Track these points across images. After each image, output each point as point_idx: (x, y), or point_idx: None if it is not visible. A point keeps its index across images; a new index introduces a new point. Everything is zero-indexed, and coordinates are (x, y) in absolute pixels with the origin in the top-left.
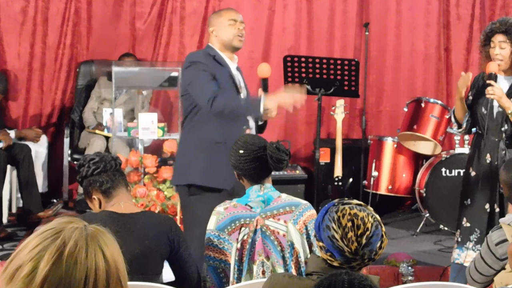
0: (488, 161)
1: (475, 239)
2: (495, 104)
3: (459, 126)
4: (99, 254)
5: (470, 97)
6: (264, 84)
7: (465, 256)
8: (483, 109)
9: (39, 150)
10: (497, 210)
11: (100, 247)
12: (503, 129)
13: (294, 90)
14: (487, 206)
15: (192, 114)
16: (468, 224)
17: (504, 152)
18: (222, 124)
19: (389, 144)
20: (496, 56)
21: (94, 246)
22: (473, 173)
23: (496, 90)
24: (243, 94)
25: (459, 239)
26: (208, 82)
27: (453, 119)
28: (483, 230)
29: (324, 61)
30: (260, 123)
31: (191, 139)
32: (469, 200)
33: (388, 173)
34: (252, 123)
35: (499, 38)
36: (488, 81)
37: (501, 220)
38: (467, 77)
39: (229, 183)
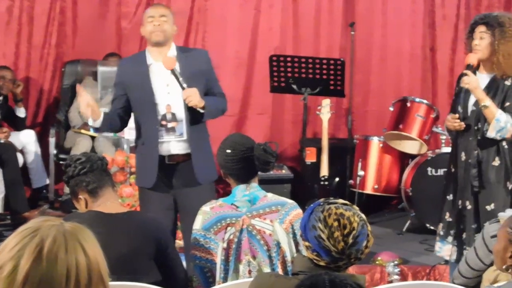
0: (463, 159)
1: (454, 234)
2: (470, 103)
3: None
4: (79, 249)
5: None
6: (174, 76)
7: (447, 249)
8: (459, 108)
9: (29, 144)
10: (469, 207)
11: (79, 242)
12: (476, 128)
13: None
14: (459, 202)
15: None
16: (450, 219)
17: (476, 152)
18: (139, 127)
19: (375, 143)
20: (475, 46)
21: (74, 241)
22: (453, 170)
23: (472, 80)
24: (169, 88)
25: (441, 233)
26: (113, 99)
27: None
28: (459, 225)
29: (310, 60)
30: (202, 111)
31: None
32: (451, 195)
33: (374, 173)
34: (181, 115)
35: (480, 29)
36: (464, 71)
37: (500, 214)
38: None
39: (149, 182)
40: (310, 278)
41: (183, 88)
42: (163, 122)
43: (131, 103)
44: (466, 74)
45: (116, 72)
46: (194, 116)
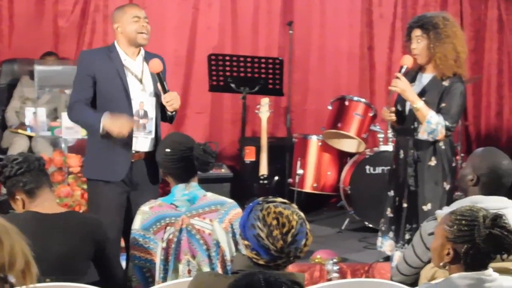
0: (401, 157)
1: (395, 230)
2: (408, 102)
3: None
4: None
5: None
6: (159, 79)
7: (389, 245)
8: (399, 106)
9: None
10: (405, 205)
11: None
12: (412, 127)
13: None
14: (397, 199)
15: None
16: (392, 215)
17: (412, 151)
18: None
19: (313, 142)
20: (413, 50)
21: None
22: (394, 166)
23: (399, 83)
24: (143, 86)
25: (383, 228)
26: (76, 90)
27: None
28: (399, 222)
29: (249, 59)
30: (170, 113)
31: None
32: (392, 191)
33: (313, 171)
34: (152, 113)
35: (416, 32)
36: (396, 74)
37: (437, 212)
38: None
39: (118, 175)
40: (245, 278)
41: (165, 92)
42: (135, 118)
43: (100, 97)
44: (398, 77)
45: (81, 65)
46: (165, 117)
